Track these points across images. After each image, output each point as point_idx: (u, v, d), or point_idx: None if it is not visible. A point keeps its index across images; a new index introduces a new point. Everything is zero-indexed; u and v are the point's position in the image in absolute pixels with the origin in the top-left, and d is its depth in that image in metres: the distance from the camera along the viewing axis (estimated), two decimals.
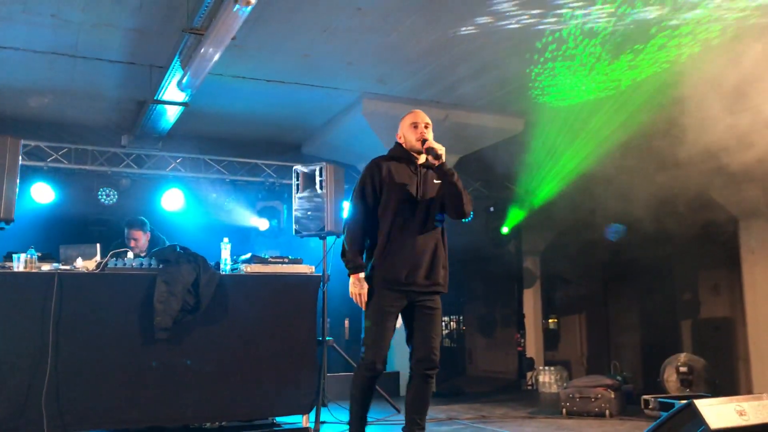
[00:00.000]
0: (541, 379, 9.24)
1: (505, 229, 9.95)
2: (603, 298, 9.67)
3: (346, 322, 11.32)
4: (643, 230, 7.41)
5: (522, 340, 10.08)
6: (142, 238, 6.52)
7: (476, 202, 10.16)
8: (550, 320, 11.07)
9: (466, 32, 6.18)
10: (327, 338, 6.09)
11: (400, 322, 4.01)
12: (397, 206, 3.89)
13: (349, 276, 3.91)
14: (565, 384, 7.99)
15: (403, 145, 4.10)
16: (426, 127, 4.04)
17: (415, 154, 4.05)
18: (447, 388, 8.85)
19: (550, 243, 10.36)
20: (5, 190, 5.13)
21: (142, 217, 6.71)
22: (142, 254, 6.31)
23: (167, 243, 6.50)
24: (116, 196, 8.35)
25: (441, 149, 3.91)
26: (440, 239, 3.96)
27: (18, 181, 5.32)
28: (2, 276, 4.81)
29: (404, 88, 7.62)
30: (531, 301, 10.56)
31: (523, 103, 7.96)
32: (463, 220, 3.99)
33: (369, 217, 3.93)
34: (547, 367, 9.31)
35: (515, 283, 10.51)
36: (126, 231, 6.52)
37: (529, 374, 9.71)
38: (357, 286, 3.87)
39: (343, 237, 4.03)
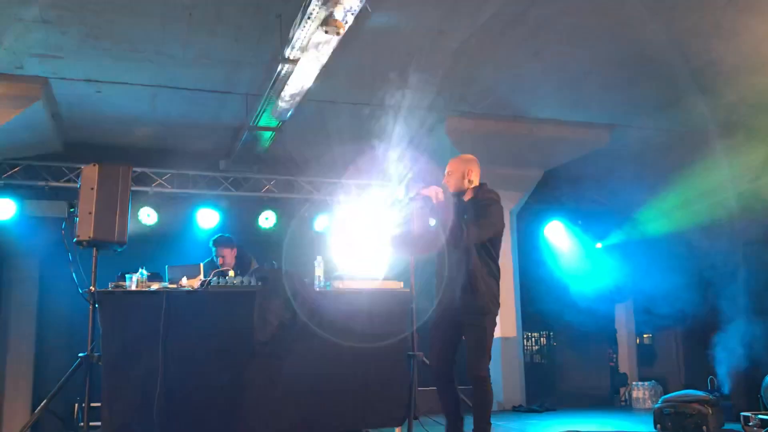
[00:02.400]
0: (634, 394, 9.04)
1: (599, 245, 9.82)
2: (702, 312, 9.34)
3: None
4: (747, 242, 7.18)
5: (614, 356, 9.88)
6: (229, 255, 6.72)
7: (565, 216, 10.09)
8: (645, 335, 10.79)
9: (551, 50, 6.23)
10: (417, 352, 6.20)
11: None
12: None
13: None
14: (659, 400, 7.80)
15: None
16: (446, 176, 4.65)
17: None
18: (539, 403, 8.79)
19: (643, 254, 10.14)
20: (118, 215, 5.54)
21: (228, 235, 6.97)
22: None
23: (252, 259, 6.81)
24: (218, 218, 8.79)
25: (426, 192, 4.53)
26: (471, 264, 4.36)
27: (129, 206, 5.74)
28: (118, 295, 5.22)
29: (486, 106, 7.71)
30: (623, 317, 10.35)
31: (610, 115, 7.89)
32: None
33: None
34: (641, 383, 9.10)
35: (606, 298, 10.33)
36: (214, 249, 6.76)
37: (622, 390, 9.51)
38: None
39: None
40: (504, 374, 8.41)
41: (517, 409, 8.44)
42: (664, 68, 6.66)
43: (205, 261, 6.62)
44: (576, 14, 5.67)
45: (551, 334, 12.70)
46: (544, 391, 9.66)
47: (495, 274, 4.45)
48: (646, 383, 9.01)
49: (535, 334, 12.78)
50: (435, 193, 4.51)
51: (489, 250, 4.44)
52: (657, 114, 7.82)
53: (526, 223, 9.75)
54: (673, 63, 6.52)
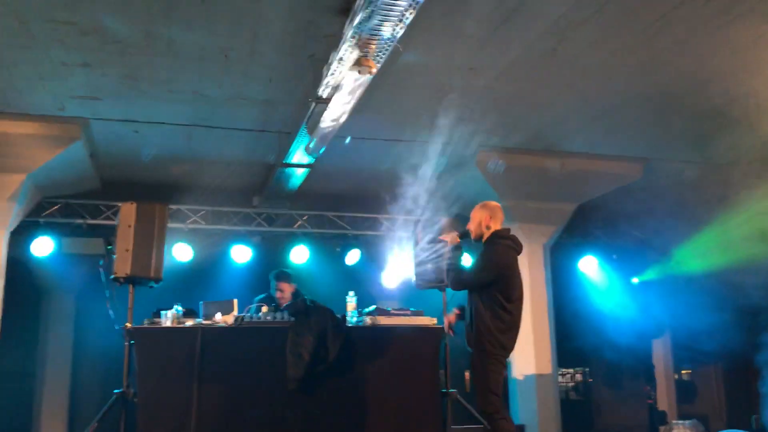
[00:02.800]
0: None
1: (635, 280, 9.68)
2: (743, 349, 9.11)
3: (467, 374, 11.26)
4: None
5: (652, 393, 9.65)
6: (287, 290, 6.94)
7: (600, 250, 9.98)
8: (684, 371, 10.55)
9: (581, 84, 6.24)
10: (450, 390, 6.15)
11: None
12: None
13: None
14: None
15: None
16: (469, 223, 4.98)
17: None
18: None
19: (681, 290, 9.95)
20: (155, 252, 5.64)
21: (288, 270, 7.27)
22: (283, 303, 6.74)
23: (306, 298, 6.92)
24: (250, 253, 8.90)
25: (444, 237, 5.07)
26: (474, 304, 4.68)
27: (165, 243, 5.84)
28: (153, 331, 5.28)
29: (518, 140, 7.71)
30: (660, 352, 10.13)
31: (643, 148, 7.84)
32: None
33: None
34: (681, 421, 8.84)
35: (643, 333, 10.13)
36: (273, 282, 6.98)
37: (661, 429, 9.26)
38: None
39: None
40: (539, 411, 8.25)
41: None
42: (694, 102, 6.63)
43: (262, 295, 6.77)
44: (606, 50, 5.68)
45: (586, 370, 12.46)
46: (581, 429, 9.46)
47: (500, 317, 4.59)
48: (687, 422, 8.76)
49: (570, 371, 12.55)
50: (451, 238, 4.96)
51: (493, 293, 4.61)
52: (690, 147, 7.75)
53: (560, 257, 9.66)
54: (703, 97, 6.48)
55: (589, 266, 10.12)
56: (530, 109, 6.90)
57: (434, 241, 5.17)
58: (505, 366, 4.70)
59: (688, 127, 7.24)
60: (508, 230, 4.91)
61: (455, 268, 4.86)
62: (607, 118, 7.07)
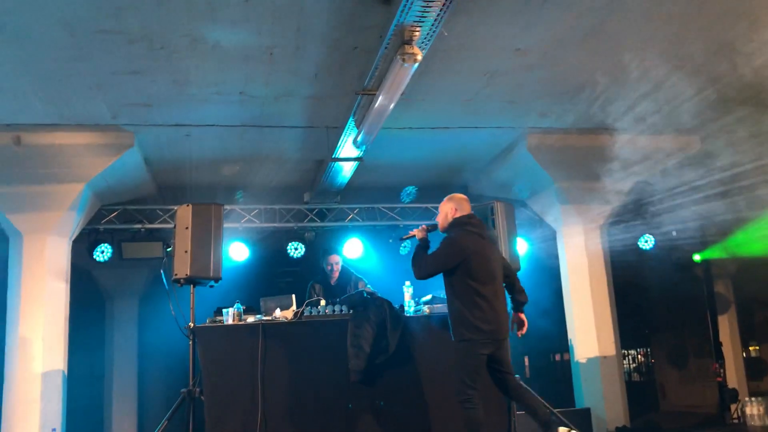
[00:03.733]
0: (747, 411, 8.54)
1: (697, 257, 9.44)
2: None
3: (526, 359, 11.19)
4: None
5: (721, 370, 9.39)
6: (340, 262, 6.99)
7: (658, 228, 9.76)
8: (752, 347, 10.24)
9: (632, 57, 6.08)
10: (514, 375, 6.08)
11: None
12: None
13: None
14: None
15: None
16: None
17: None
18: (641, 424, 8.43)
19: (743, 264, 9.65)
20: (213, 252, 5.72)
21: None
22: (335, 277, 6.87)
23: (353, 273, 6.94)
24: (303, 249, 8.99)
25: (414, 231, 5.14)
26: (445, 292, 4.84)
27: (222, 243, 5.93)
28: (215, 329, 5.37)
29: (568, 120, 7.58)
30: (727, 328, 9.85)
31: (699, 121, 7.60)
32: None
33: None
34: (753, 398, 8.59)
35: (707, 310, 9.86)
36: (325, 259, 6.97)
37: (733, 407, 9.01)
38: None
39: None
40: (605, 394, 8.11)
41: (620, 431, 8.12)
42: (747, 70, 6.39)
43: (313, 280, 6.82)
44: (653, 22, 5.52)
45: (648, 350, 12.22)
46: (646, 412, 9.28)
47: (473, 301, 4.61)
48: (759, 398, 8.50)
49: (632, 351, 12.32)
50: (419, 232, 5.06)
51: (462, 278, 4.67)
52: (747, 118, 7.47)
53: (617, 237, 9.46)
54: (758, 63, 6.25)
55: (648, 244, 9.88)
56: (579, 87, 6.76)
57: (401, 237, 5.40)
58: (487, 349, 4.62)
59: (744, 95, 6.99)
60: (469, 215, 4.92)
61: (417, 257, 4.91)
62: (660, 91, 6.87)
